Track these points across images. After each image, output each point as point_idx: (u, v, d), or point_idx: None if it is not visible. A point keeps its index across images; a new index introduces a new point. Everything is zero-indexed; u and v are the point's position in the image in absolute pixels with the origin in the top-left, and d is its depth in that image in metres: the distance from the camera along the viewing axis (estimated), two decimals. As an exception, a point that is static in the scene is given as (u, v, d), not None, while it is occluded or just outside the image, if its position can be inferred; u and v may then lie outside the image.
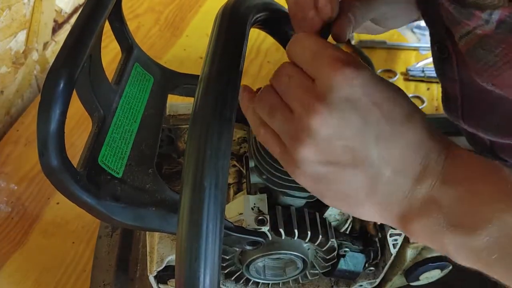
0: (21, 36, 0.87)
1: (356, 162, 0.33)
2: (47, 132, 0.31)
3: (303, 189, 0.45)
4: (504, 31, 0.36)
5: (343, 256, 0.50)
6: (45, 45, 0.94)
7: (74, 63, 0.33)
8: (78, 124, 0.82)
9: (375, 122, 0.33)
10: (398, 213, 0.35)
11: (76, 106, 0.38)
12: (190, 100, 0.39)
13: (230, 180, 0.52)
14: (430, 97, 0.91)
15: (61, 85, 0.31)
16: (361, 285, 0.56)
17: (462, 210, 0.33)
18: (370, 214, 0.36)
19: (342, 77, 0.33)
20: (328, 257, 0.50)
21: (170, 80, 0.50)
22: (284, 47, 0.54)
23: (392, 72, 0.95)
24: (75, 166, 0.35)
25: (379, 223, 0.45)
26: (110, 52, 0.81)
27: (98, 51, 0.40)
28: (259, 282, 0.53)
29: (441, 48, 0.48)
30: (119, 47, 0.48)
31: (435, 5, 0.44)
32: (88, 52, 0.34)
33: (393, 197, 0.34)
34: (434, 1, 0.44)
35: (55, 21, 0.95)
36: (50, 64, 0.96)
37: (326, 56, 0.34)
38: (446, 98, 0.53)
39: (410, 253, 0.52)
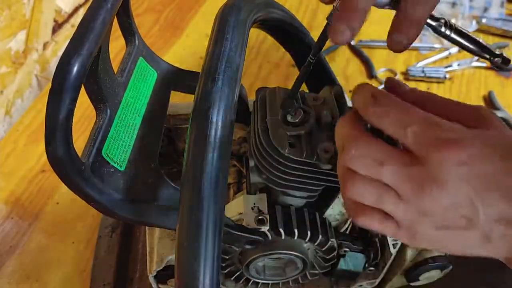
0: (21, 36, 0.87)
1: (469, 225, 0.35)
2: (56, 121, 0.31)
3: (302, 189, 0.45)
4: None
5: (343, 256, 0.50)
6: (45, 45, 0.94)
7: (85, 53, 0.32)
8: (80, 122, 0.82)
9: (482, 191, 0.34)
10: (507, 254, 0.36)
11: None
12: (190, 100, 0.39)
13: (230, 180, 0.52)
14: (430, 97, 0.91)
15: (72, 74, 0.31)
16: (361, 285, 0.56)
17: None
18: (482, 253, 0.37)
19: (449, 160, 0.33)
20: (328, 257, 0.50)
21: (173, 77, 0.50)
22: (284, 47, 0.54)
23: (392, 72, 0.95)
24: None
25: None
26: (114, 47, 0.81)
27: (106, 44, 0.40)
28: (258, 282, 0.53)
29: None
30: (121, 44, 0.48)
31: None
32: (99, 43, 0.34)
33: (506, 244, 0.35)
34: None
35: (55, 21, 0.95)
36: (50, 64, 0.96)
37: (424, 133, 0.34)
38: None
39: (410, 253, 0.51)
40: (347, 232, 0.51)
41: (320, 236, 0.47)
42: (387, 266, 0.53)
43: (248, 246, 0.44)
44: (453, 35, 0.37)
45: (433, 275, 0.54)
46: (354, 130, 0.37)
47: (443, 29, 0.37)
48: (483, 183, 0.34)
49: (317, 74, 0.54)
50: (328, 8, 0.38)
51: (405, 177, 0.35)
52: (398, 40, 0.37)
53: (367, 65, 0.96)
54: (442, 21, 0.37)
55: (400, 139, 0.35)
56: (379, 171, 0.35)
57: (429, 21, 0.37)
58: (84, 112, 0.79)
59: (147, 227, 0.52)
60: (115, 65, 0.43)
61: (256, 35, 0.98)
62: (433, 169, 0.34)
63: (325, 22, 0.41)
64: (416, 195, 0.34)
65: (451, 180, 0.34)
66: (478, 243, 0.36)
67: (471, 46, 0.38)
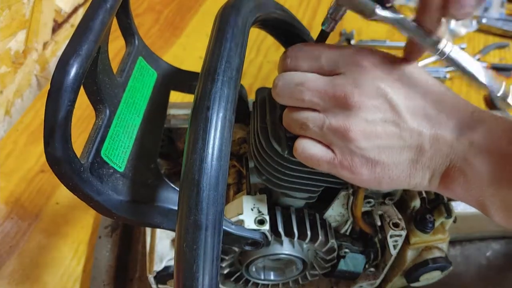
0: (21, 36, 0.87)
1: (398, 129, 0.36)
2: (55, 121, 0.31)
3: (302, 190, 0.45)
4: None
5: (343, 257, 0.50)
6: (45, 45, 0.94)
7: (84, 53, 0.32)
8: (79, 123, 0.82)
9: (400, 94, 0.37)
10: (443, 170, 0.37)
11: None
12: (190, 100, 0.38)
13: (230, 181, 0.52)
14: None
15: (71, 74, 0.31)
16: (361, 286, 0.56)
17: (501, 168, 0.34)
18: (423, 182, 0.38)
19: (364, 71, 0.37)
20: (328, 258, 0.49)
21: (173, 77, 0.50)
22: (285, 47, 0.54)
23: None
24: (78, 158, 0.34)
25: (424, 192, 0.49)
26: (114, 47, 0.81)
27: (106, 44, 0.40)
28: (258, 283, 0.53)
29: None
30: (120, 44, 0.47)
31: None
32: (98, 43, 0.34)
33: (440, 154, 0.36)
34: None
35: (54, 20, 0.95)
36: (50, 64, 0.96)
37: (345, 54, 0.38)
38: None
39: (410, 254, 0.51)
40: (347, 233, 0.51)
41: (320, 237, 0.46)
42: (387, 267, 0.52)
43: (248, 247, 0.44)
44: (450, 54, 0.37)
45: (433, 276, 0.54)
46: (282, 69, 0.41)
47: (438, 47, 0.37)
48: (394, 79, 0.37)
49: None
50: (327, 6, 0.40)
51: (325, 89, 0.37)
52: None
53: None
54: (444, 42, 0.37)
55: (316, 69, 0.39)
56: (300, 92, 0.38)
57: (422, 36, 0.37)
58: (83, 113, 0.79)
59: (146, 228, 0.52)
60: (115, 65, 0.43)
61: (256, 35, 0.98)
62: (349, 76, 0.37)
63: (325, 22, 0.41)
64: (335, 104, 0.37)
65: (366, 82, 0.36)
66: (413, 159, 0.37)
67: (471, 72, 0.37)
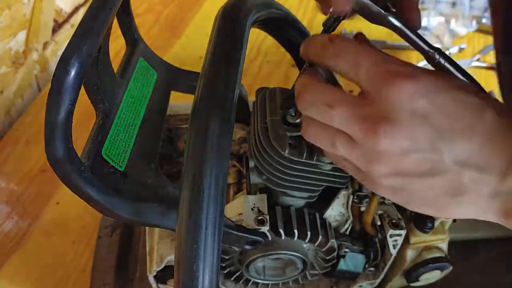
0: (21, 36, 0.87)
1: (433, 170, 0.32)
2: (56, 121, 0.31)
3: (303, 189, 0.45)
4: None
5: (343, 256, 0.50)
6: (45, 45, 0.94)
7: (85, 53, 0.32)
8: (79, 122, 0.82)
9: (444, 127, 0.31)
10: (496, 209, 0.33)
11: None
12: (190, 100, 0.39)
13: (230, 180, 0.52)
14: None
15: (72, 74, 0.31)
16: (361, 286, 0.56)
17: None
18: (468, 213, 0.34)
19: (403, 93, 0.31)
20: (328, 258, 0.50)
21: (173, 77, 0.50)
22: (285, 47, 0.54)
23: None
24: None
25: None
26: (114, 47, 0.81)
27: (106, 44, 0.40)
28: (258, 283, 0.53)
29: None
30: (121, 43, 0.48)
31: None
32: (99, 43, 0.34)
33: (484, 195, 0.32)
34: None
35: (55, 21, 0.95)
36: (50, 64, 0.96)
37: (376, 68, 0.32)
38: None
39: (410, 254, 0.51)
40: (347, 232, 0.51)
41: (320, 237, 0.47)
42: (387, 267, 0.53)
43: (248, 247, 0.44)
44: (446, 65, 0.36)
45: (433, 275, 0.54)
46: (309, 80, 0.36)
47: (436, 57, 0.36)
48: (444, 118, 0.31)
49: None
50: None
51: (355, 118, 0.32)
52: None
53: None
54: (435, 50, 0.37)
55: (354, 79, 0.34)
56: (330, 115, 0.33)
57: (423, 46, 0.37)
58: (84, 112, 0.79)
59: (147, 227, 0.52)
60: (115, 65, 0.43)
61: (256, 35, 0.98)
62: (385, 106, 0.31)
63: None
64: (367, 136, 0.32)
65: (406, 116, 0.31)
66: (447, 195, 0.33)
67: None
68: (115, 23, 0.44)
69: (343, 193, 0.47)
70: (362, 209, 0.48)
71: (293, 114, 0.43)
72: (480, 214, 0.34)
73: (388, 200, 0.49)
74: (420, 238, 0.50)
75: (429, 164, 0.32)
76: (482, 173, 0.32)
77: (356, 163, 0.34)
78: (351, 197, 0.47)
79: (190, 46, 1.01)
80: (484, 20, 1.04)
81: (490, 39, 1.03)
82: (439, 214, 0.35)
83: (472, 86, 0.34)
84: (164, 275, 0.48)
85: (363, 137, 0.32)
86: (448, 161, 0.32)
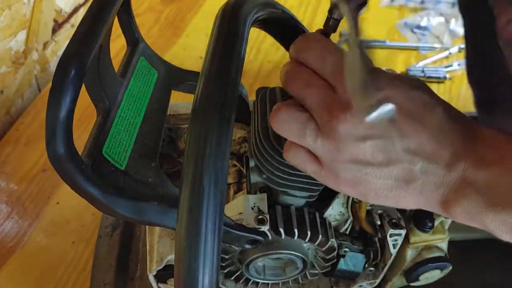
0: (21, 35, 0.87)
1: (387, 160, 0.35)
2: (57, 119, 0.31)
3: (303, 189, 0.45)
4: None
5: (343, 256, 0.50)
6: (45, 45, 0.94)
7: (86, 52, 0.32)
8: (80, 121, 0.82)
9: (398, 119, 0.34)
10: (438, 199, 0.36)
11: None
12: (190, 100, 0.39)
13: (230, 180, 0.52)
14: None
15: (73, 72, 0.31)
16: (361, 286, 0.56)
17: (499, 190, 0.34)
18: (415, 203, 0.37)
19: None
20: (328, 257, 0.50)
21: (174, 76, 0.51)
22: (285, 47, 0.54)
23: (392, 72, 0.95)
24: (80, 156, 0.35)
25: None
26: (115, 46, 0.81)
27: (107, 43, 0.41)
28: (258, 282, 0.53)
29: None
30: (122, 43, 0.48)
31: None
32: (99, 42, 0.34)
33: (431, 185, 0.36)
34: None
35: (55, 21, 0.96)
36: (50, 64, 0.96)
37: (339, 66, 0.35)
38: None
39: (410, 254, 0.52)
40: (347, 232, 0.51)
41: (320, 236, 0.47)
42: (387, 266, 0.53)
43: (248, 246, 0.44)
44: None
45: (433, 275, 0.54)
46: (290, 65, 0.39)
47: None
48: (399, 111, 0.33)
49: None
50: (327, 6, 0.40)
51: (324, 102, 0.36)
52: None
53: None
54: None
55: (321, 72, 0.37)
56: (305, 92, 0.37)
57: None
58: (84, 111, 0.79)
59: (147, 226, 0.52)
60: (116, 64, 0.43)
61: (256, 35, 0.99)
62: (345, 97, 0.35)
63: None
64: (329, 120, 0.35)
65: None
66: (402, 184, 0.36)
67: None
68: (116, 23, 0.44)
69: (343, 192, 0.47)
70: (362, 208, 0.48)
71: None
72: (426, 204, 0.37)
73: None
74: (420, 238, 0.50)
75: (384, 153, 0.35)
76: (430, 163, 0.35)
77: (320, 153, 0.36)
78: (351, 196, 0.47)
79: (190, 46, 1.02)
80: (484, 20, 1.04)
81: (490, 39, 1.03)
82: (393, 204, 0.38)
83: (426, 86, 0.37)
84: (164, 274, 0.48)
85: (326, 121, 0.35)
86: (400, 149, 0.35)
